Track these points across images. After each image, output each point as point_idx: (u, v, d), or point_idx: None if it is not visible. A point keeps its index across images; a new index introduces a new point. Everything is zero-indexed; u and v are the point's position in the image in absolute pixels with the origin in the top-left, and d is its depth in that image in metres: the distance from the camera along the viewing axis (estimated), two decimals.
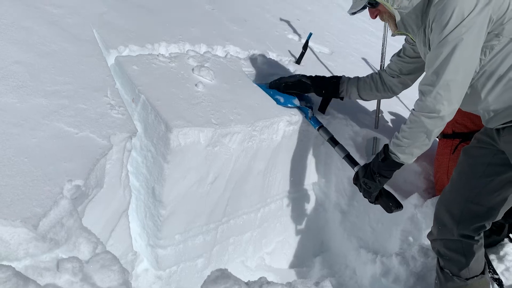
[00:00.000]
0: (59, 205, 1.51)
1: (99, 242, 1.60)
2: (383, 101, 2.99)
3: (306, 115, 2.66)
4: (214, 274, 1.62)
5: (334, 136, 2.58)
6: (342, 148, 2.51)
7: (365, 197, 2.24)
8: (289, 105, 2.63)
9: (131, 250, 2.14)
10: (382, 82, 2.49)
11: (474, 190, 2.01)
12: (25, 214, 1.42)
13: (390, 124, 3.26)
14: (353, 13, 2.10)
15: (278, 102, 2.63)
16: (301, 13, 4.61)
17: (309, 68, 3.41)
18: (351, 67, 3.94)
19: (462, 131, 2.57)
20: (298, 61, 3.39)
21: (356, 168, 2.33)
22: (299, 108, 2.67)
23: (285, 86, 2.67)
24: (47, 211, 1.47)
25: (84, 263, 1.47)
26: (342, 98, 2.70)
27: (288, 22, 4.15)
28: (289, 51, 3.54)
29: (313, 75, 2.71)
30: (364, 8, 2.04)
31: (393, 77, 2.43)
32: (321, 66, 3.63)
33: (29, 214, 1.43)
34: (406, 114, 3.48)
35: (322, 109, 2.78)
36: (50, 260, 1.44)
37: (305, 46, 3.41)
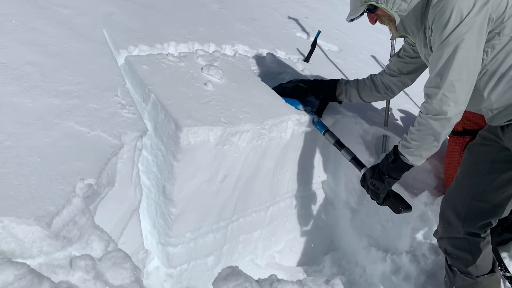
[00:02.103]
0: (71, 204, 1.53)
1: (111, 240, 1.62)
2: (392, 98, 2.98)
3: (312, 120, 2.66)
4: (225, 272, 1.62)
5: (340, 140, 2.58)
6: (349, 151, 2.51)
7: (372, 198, 2.23)
8: None
9: (142, 248, 2.16)
10: (382, 83, 2.49)
11: (479, 188, 2.00)
12: (39, 212, 1.44)
13: (399, 121, 3.25)
14: (352, 20, 2.10)
15: None
16: (309, 12, 4.60)
17: (318, 66, 3.40)
18: (360, 64, 3.92)
19: (473, 128, 2.55)
20: (306, 59, 3.38)
21: (363, 170, 2.33)
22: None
23: (283, 92, 2.68)
24: (60, 209, 1.49)
25: (97, 260, 1.49)
26: (340, 102, 2.71)
27: (296, 21, 4.14)
28: (298, 49, 3.54)
29: (312, 79, 2.73)
30: (362, 14, 2.04)
31: (393, 76, 2.43)
32: (330, 64, 3.62)
33: (42, 212, 1.44)
34: (415, 111, 3.46)
35: (319, 112, 2.72)
36: (64, 258, 1.46)
37: (314, 44, 3.40)
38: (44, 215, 1.44)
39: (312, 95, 2.69)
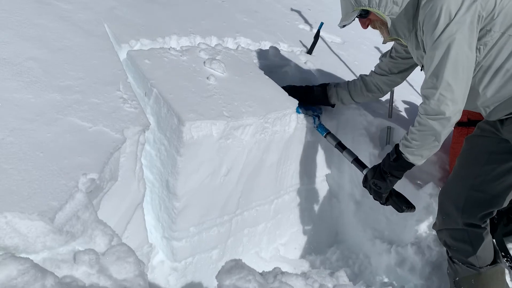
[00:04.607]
0: (74, 199, 1.53)
1: (114, 234, 1.62)
2: (396, 90, 2.96)
3: (313, 123, 2.65)
4: (229, 264, 1.62)
5: (342, 142, 2.58)
6: (350, 152, 2.51)
7: (375, 199, 2.23)
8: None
9: (147, 242, 2.16)
10: (372, 83, 2.50)
11: (477, 178, 2.00)
12: (42, 207, 1.44)
13: (403, 113, 3.23)
14: (344, 26, 2.11)
15: None
16: (312, 3, 4.57)
17: (321, 58, 3.38)
18: (363, 56, 3.90)
19: (478, 118, 2.52)
20: (309, 51, 3.37)
21: (365, 171, 2.32)
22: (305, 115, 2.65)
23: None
24: (63, 204, 1.48)
25: (100, 255, 1.49)
26: (333, 106, 2.71)
27: (299, 12, 4.12)
28: (301, 42, 3.52)
29: (303, 85, 2.73)
30: (354, 19, 2.05)
31: (383, 76, 2.45)
32: (333, 56, 3.60)
33: (45, 207, 1.45)
34: (419, 102, 3.43)
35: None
36: (67, 253, 1.46)
37: (317, 36, 3.38)
38: (47, 210, 1.44)
39: (304, 103, 2.66)
